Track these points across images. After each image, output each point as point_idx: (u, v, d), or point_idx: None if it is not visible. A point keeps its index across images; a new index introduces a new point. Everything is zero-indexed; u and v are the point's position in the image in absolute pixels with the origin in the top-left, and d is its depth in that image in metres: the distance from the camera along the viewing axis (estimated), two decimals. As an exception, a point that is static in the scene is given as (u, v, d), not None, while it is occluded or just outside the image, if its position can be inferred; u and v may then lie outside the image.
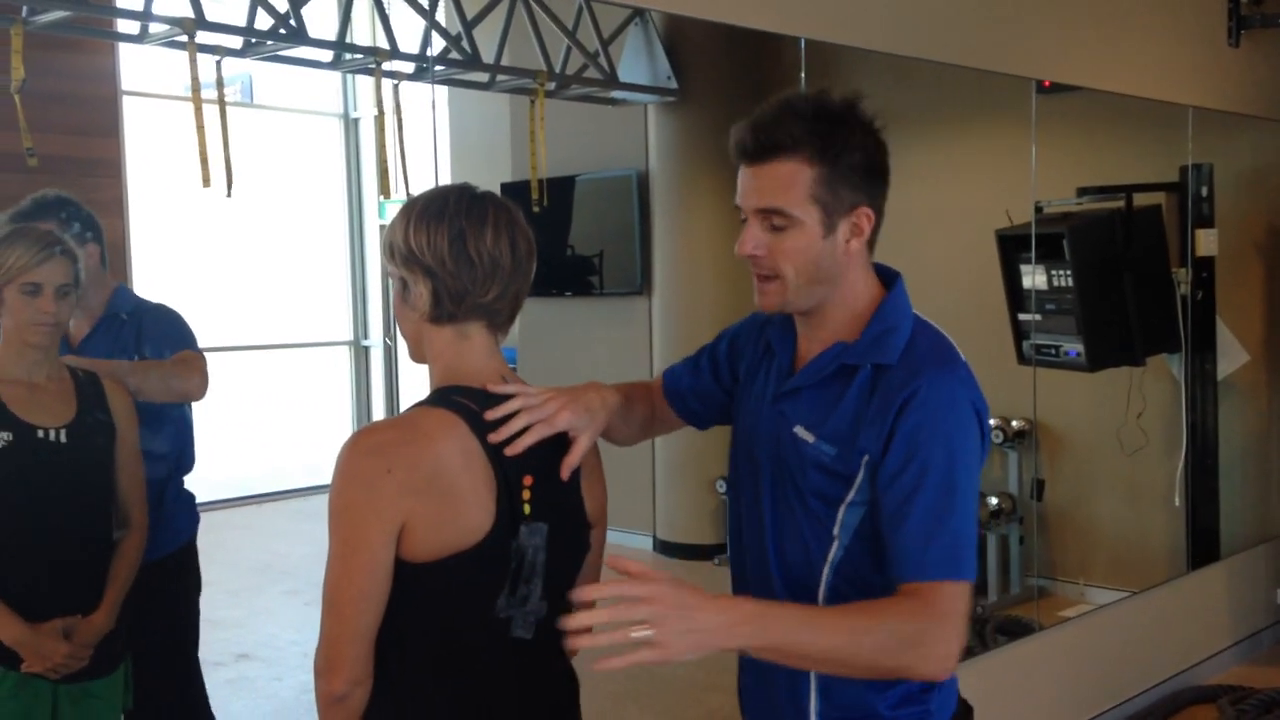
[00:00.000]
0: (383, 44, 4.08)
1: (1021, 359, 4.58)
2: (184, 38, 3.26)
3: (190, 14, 3.34)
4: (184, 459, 2.91)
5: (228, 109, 3.31)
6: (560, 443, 1.61)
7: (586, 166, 5.75)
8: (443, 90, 4.96)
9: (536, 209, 4.03)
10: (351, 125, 7.23)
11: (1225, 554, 4.96)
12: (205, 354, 2.77)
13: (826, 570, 1.62)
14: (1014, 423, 4.82)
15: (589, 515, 1.70)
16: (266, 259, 6.77)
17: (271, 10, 3.63)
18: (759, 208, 1.60)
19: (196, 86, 3.23)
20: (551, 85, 4.22)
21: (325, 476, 1.54)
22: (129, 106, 4.02)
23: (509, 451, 1.55)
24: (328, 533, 1.52)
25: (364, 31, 5.22)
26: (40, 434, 2.33)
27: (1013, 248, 4.54)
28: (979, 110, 4.66)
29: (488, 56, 4.22)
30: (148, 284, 3.79)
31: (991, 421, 4.67)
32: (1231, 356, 4.95)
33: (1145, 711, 4.40)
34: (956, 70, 3.65)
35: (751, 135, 1.59)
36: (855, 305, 1.65)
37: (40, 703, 2.35)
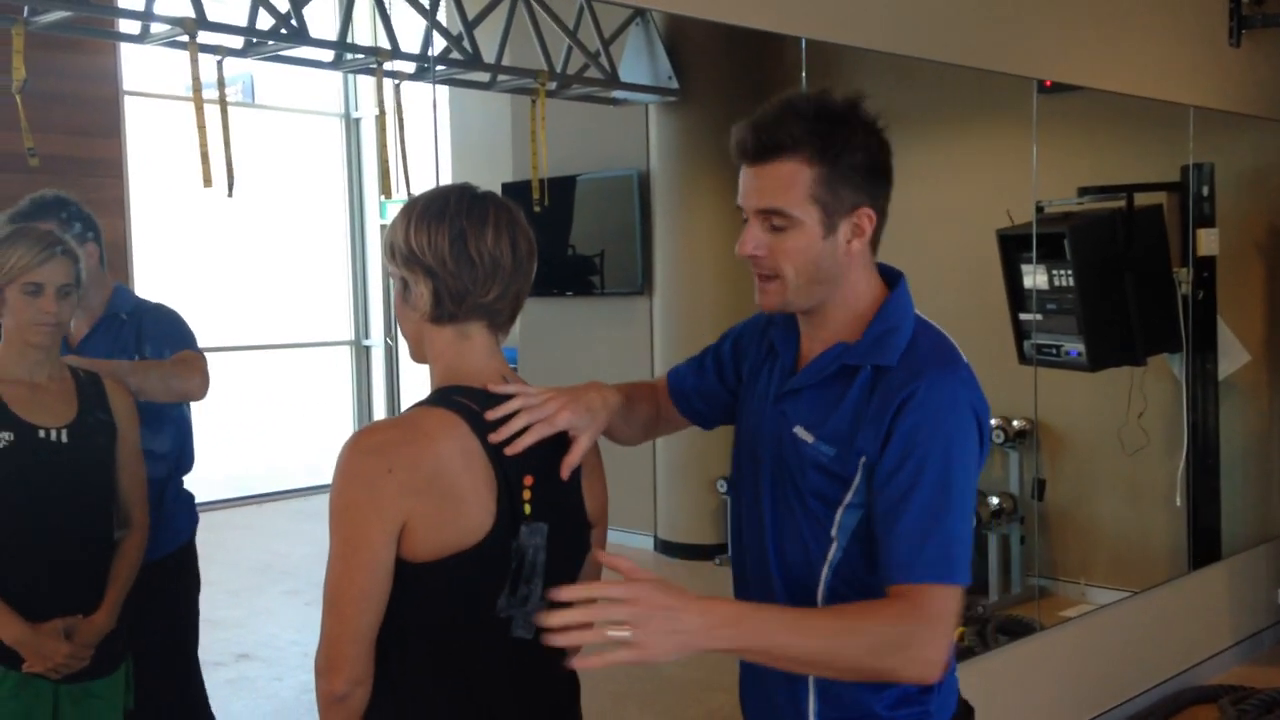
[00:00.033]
0: (384, 44, 4.07)
1: (1022, 359, 4.58)
2: (185, 38, 3.26)
3: (191, 14, 3.34)
4: (184, 459, 2.91)
5: (229, 109, 3.31)
6: (561, 442, 1.61)
7: (587, 166, 5.75)
8: (444, 90, 4.96)
9: (537, 209, 4.03)
10: (352, 125, 7.23)
11: (1226, 554, 4.96)
12: (206, 354, 2.77)
13: (825, 571, 1.62)
14: (1015, 422, 4.82)
15: (590, 515, 1.70)
16: (267, 259, 6.77)
17: (273, 10, 3.63)
18: (759, 208, 1.60)
19: (198, 86, 3.23)
20: (552, 85, 4.22)
21: (326, 476, 1.54)
22: (130, 106, 4.02)
23: (509, 451, 1.55)
24: (328, 532, 1.52)
25: (365, 31, 5.22)
26: (41, 434, 2.33)
27: (1014, 247, 4.54)
28: (980, 110, 4.66)
29: (489, 56, 4.22)
30: (149, 284, 3.79)
31: (992, 421, 4.66)
32: (1232, 356, 4.95)
33: (1146, 711, 4.40)
34: (957, 70, 3.65)
35: (752, 135, 1.59)
36: (857, 305, 1.64)
37: (41, 703, 2.35)
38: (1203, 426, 4.87)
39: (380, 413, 6.98)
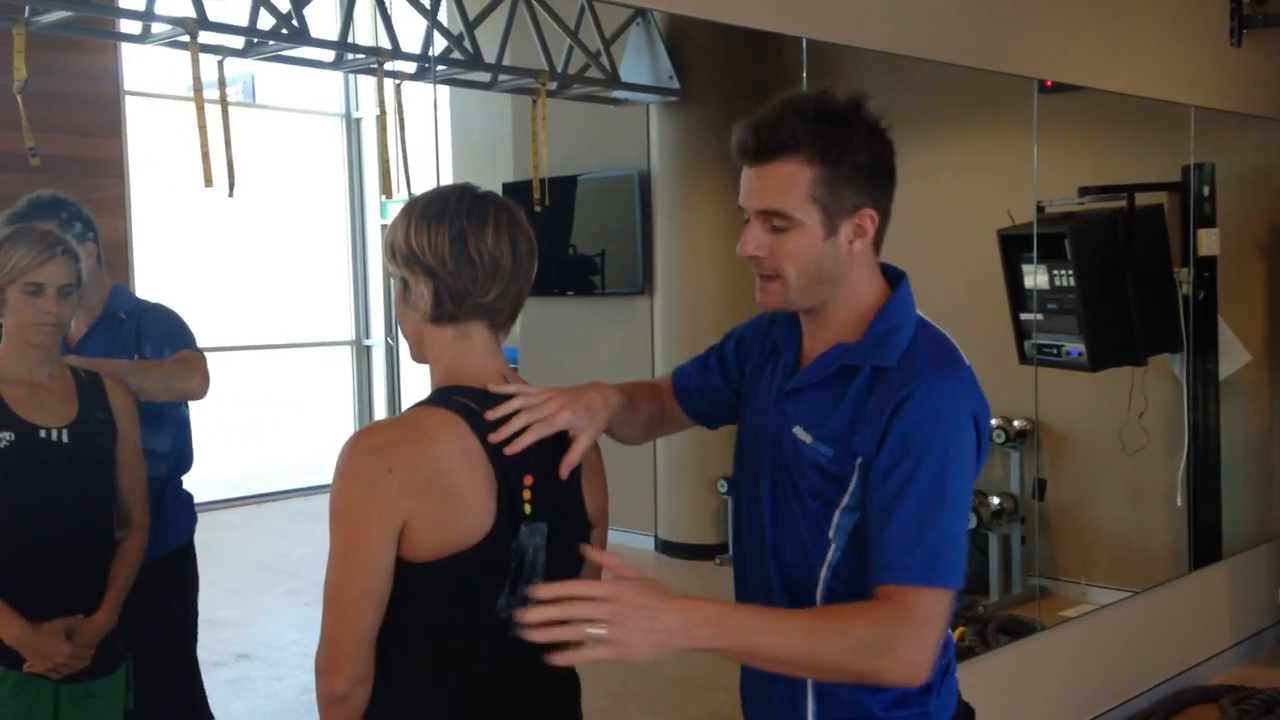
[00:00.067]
0: (384, 44, 4.07)
1: (1023, 359, 4.58)
2: (186, 38, 3.26)
3: (192, 14, 3.34)
4: (183, 459, 2.91)
5: (230, 109, 3.31)
6: (561, 442, 1.61)
7: (588, 166, 5.75)
8: (444, 90, 4.96)
9: (538, 209, 4.03)
10: (353, 125, 7.23)
11: (1227, 554, 4.96)
12: (206, 354, 2.77)
13: (824, 572, 1.61)
14: (1016, 422, 4.82)
15: (590, 515, 1.70)
16: (268, 259, 6.76)
17: (273, 10, 3.63)
18: (760, 209, 1.59)
19: (199, 86, 3.23)
20: (553, 85, 4.22)
21: (326, 476, 1.54)
22: (131, 106, 4.02)
23: (508, 451, 1.55)
24: (329, 532, 1.52)
25: (366, 31, 5.21)
26: (42, 434, 2.33)
27: (1014, 247, 4.54)
28: (981, 110, 4.66)
29: (489, 56, 4.22)
30: (150, 284, 3.80)
31: (993, 421, 4.67)
32: (1233, 356, 4.95)
33: (1147, 711, 4.40)
34: (958, 70, 3.65)
35: (753, 135, 1.58)
36: (859, 306, 1.64)
37: (42, 703, 2.35)
38: (1203, 426, 4.87)
39: (381, 413, 6.98)
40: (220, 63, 3.40)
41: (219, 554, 3.94)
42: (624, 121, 5.66)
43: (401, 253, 1.59)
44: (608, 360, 5.88)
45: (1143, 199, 4.66)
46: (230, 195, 3.23)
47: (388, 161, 3.70)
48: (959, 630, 4.33)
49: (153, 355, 2.73)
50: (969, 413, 1.56)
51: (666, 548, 5.62)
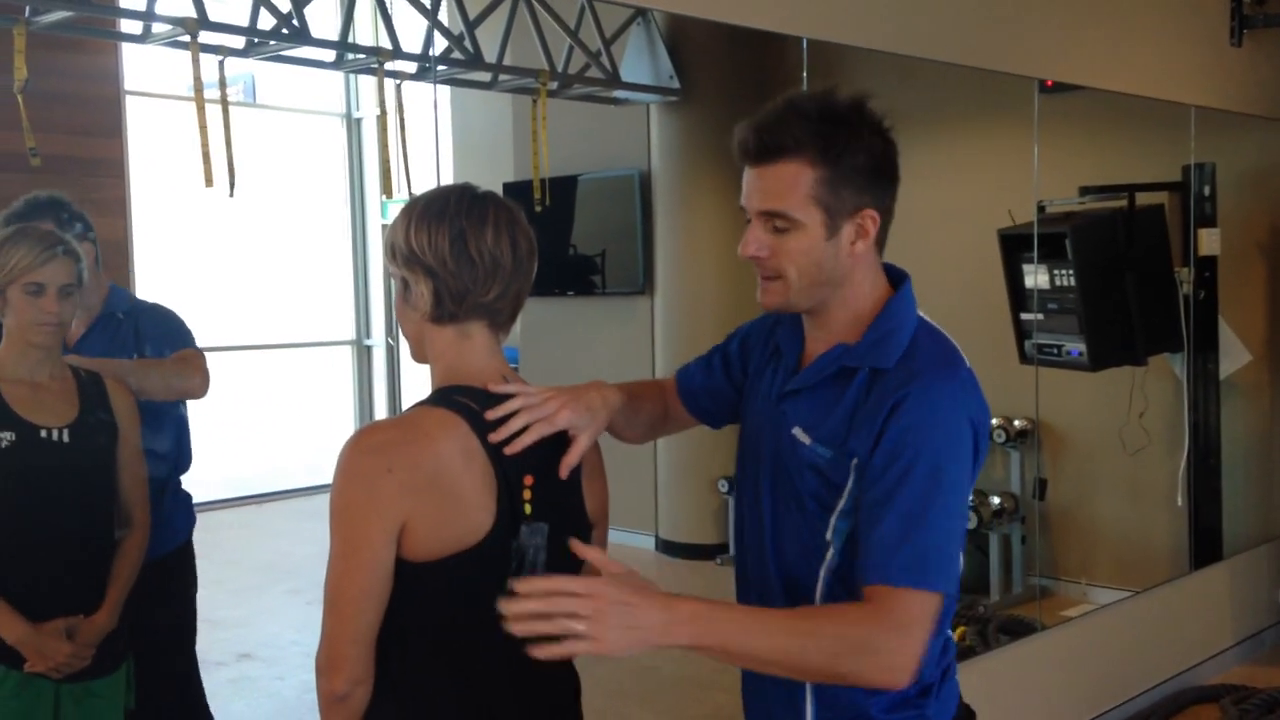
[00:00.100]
0: (385, 44, 4.07)
1: (1023, 358, 4.58)
2: (187, 38, 3.26)
3: (193, 14, 3.34)
4: (182, 459, 2.91)
5: (230, 109, 3.31)
6: (561, 442, 1.61)
7: (589, 166, 5.76)
8: (445, 90, 4.97)
9: (539, 208, 4.03)
10: (354, 125, 7.23)
11: (1228, 554, 4.96)
12: (206, 353, 2.78)
13: (823, 572, 1.61)
14: (1016, 422, 4.82)
15: (590, 515, 1.70)
16: (269, 259, 6.76)
17: (274, 10, 3.63)
18: (761, 209, 1.59)
19: (199, 86, 3.23)
20: (554, 85, 4.22)
21: (327, 476, 1.54)
22: (132, 106, 4.02)
23: (508, 451, 1.55)
24: (329, 532, 1.53)
25: (366, 31, 5.22)
26: (43, 434, 2.33)
27: (1015, 247, 4.54)
28: (981, 110, 4.66)
29: (490, 56, 4.22)
30: (150, 284, 3.80)
31: (994, 421, 4.68)
32: (1234, 356, 4.95)
33: (1148, 711, 4.40)
34: (959, 70, 3.65)
35: (754, 136, 1.58)
36: (860, 307, 1.63)
37: (43, 702, 2.35)
38: (1204, 426, 4.86)
39: (381, 412, 6.98)
40: (221, 63, 3.40)
41: (220, 554, 3.95)
42: (624, 121, 5.66)
43: (402, 252, 1.59)
44: (608, 360, 5.88)
45: (1143, 199, 4.66)
46: (231, 195, 3.23)
47: (388, 161, 3.70)
48: (959, 630, 4.34)
49: (153, 355, 2.73)
50: (966, 415, 1.55)
51: (667, 547, 5.63)
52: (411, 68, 3.91)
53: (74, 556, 2.39)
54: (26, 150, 2.86)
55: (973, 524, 4.71)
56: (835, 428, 1.59)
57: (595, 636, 1.35)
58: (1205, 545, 4.87)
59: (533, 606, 1.36)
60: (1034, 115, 4.04)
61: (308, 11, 3.71)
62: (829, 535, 1.60)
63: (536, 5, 4.24)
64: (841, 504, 1.58)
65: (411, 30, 4.10)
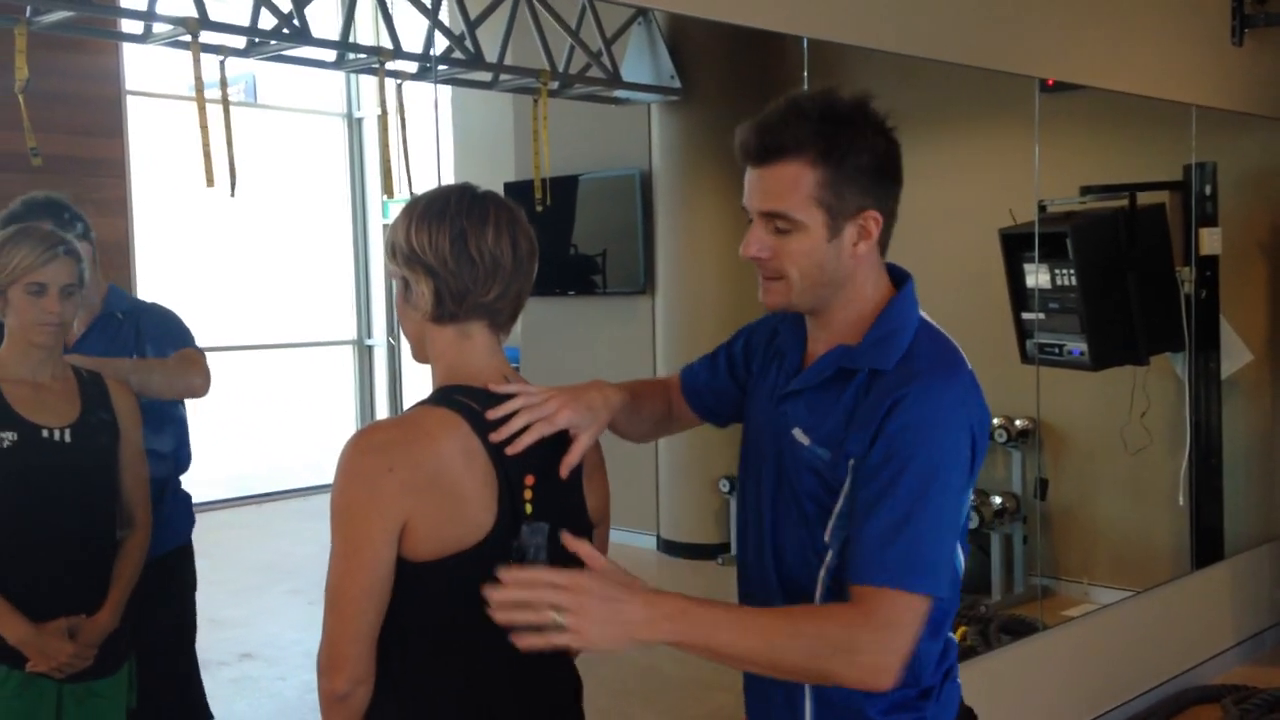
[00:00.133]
0: (386, 44, 4.08)
1: (1025, 358, 4.57)
2: (188, 37, 3.27)
3: (194, 14, 3.34)
4: (182, 458, 2.91)
5: (231, 109, 3.31)
6: (562, 442, 1.61)
7: (589, 166, 5.76)
8: (446, 90, 4.97)
9: (539, 208, 4.03)
10: (355, 125, 7.23)
11: (1229, 553, 4.96)
12: (207, 353, 2.78)
13: (823, 573, 1.61)
14: (1017, 422, 4.82)
15: (591, 514, 1.70)
16: (270, 259, 6.76)
17: (275, 10, 3.64)
18: (762, 210, 1.58)
19: (200, 86, 3.24)
20: (555, 84, 4.23)
21: (328, 476, 1.54)
22: (133, 106, 4.02)
23: (509, 450, 1.55)
24: (330, 532, 1.53)
25: (367, 31, 5.22)
26: (44, 433, 2.33)
27: (1016, 246, 4.54)
28: (982, 109, 4.65)
29: (491, 56, 4.23)
30: (151, 284, 3.79)
31: (995, 420, 4.68)
32: (1235, 355, 4.95)
33: (1149, 711, 4.40)
34: (960, 69, 3.65)
35: (756, 136, 1.57)
36: (861, 307, 1.63)
37: (45, 702, 2.35)
38: (1205, 426, 4.86)
39: (382, 412, 6.98)
40: (222, 62, 3.40)
41: (220, 554, 3.95)
42: (625, 121, 5.66)
43: (402, 252, 1.59)
44: (609, 360, 5.88)
45: (1144, 198, 4.65)
46: (232, 195, 3.23)
47: (389, 161, 3.70)
48: (960, 629, 4.34)
49: (154, 354, 2.73)
50: (964, 417, 1.54)
51: (668, 547, 5.63)
52: (412, 67, 3.91)
53: (76, 556, 2.39)
54: (27, 150, 2.86)
55: (974, 524, 4.71)
56: (834, 429, 1.58)
57: (577, 629, 1.36)
58: (1207, 545, 4.87)
59: (514, 595, 1.37)
60: (1035, 115, 4.04)
61: (308, 11, 3.71)
62: (827, 538, 1.59)
63: (537, 5, 4.24)
64: (839, 506, 1.57)
65: (412, 30, 4.11)
